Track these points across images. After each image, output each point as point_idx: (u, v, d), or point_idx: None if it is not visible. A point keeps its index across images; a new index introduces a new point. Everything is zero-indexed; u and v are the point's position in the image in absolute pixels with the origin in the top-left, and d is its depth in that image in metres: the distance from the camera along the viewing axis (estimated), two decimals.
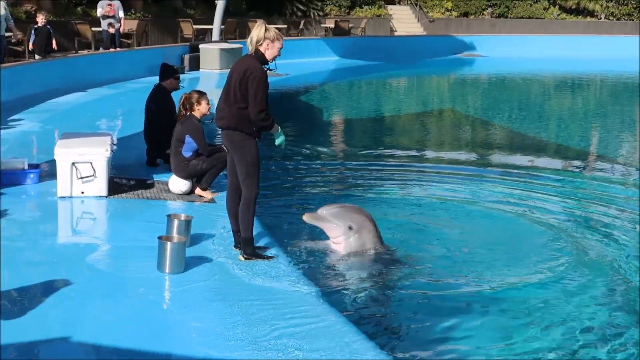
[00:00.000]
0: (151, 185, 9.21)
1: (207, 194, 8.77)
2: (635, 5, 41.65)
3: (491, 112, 20.45)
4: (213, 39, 25.49)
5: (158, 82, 10.22)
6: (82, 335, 5.15)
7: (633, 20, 41.59)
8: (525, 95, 24.80)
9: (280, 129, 6.81)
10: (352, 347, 5.12)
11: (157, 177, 9.52)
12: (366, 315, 6.11)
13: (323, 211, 7.39)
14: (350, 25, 33.99)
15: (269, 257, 6.80)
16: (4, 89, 13.77)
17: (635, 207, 9.70)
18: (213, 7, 25.81)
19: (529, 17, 40.77)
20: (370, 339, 5.35)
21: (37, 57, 19.19)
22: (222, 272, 6.44)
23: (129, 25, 24.27)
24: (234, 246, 6.97)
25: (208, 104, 8.89)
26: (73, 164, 8.46)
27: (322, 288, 6.35)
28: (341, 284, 6.73)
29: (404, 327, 6.00)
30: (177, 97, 9.27)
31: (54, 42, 19.44)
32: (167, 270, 6.29)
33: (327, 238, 7.49)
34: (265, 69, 6.58)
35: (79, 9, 25.55)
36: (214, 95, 13.83)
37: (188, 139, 8.67)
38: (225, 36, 26.28)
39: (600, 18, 41.85)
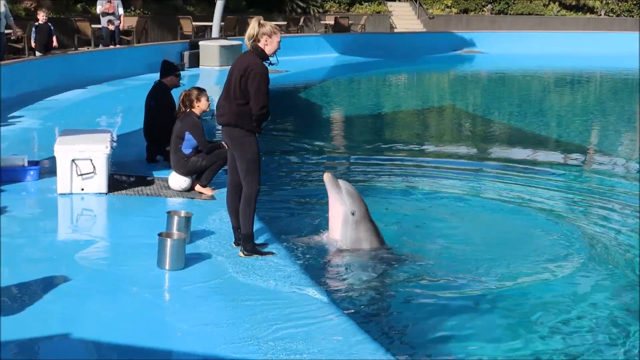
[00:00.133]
0: (151, 182, 9.21)
1: (207, 191, 8.77)
2: (635, 2, 41.65)
3: (491, 108, 20.45)
4: (213, 35, 25.48)
5: (158, 79, 10.23)
6: (82, 332, 5.15)
7: (633, 16, 41.58)
8: (525, 91, 24.79)
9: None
10: (354, 347, 5.10)
11: (157, 174, 9.52)
12: (367, 314, 6.09)
13: (342, 184, 7.42)
14: (350, 22, 33.99)
15: (268, 254, 6.80)
16: (4, 86, 13.76)
17: (636, 201, 9.70)
18: (213, 4, 25.80)
19: (529, 14, 40.76)
20: (372, 338, 5.31)
21: (37, 54, 19.17)
22: (222, 268, 6.43)
23: (129, 22, 24.26)
24: (234, 243, 6.97)
25: (208, 100, 8.90)
26: (73, 160, 8.46)
27: (322, 285, 6.36)
28: (341, 281, 6.73)
29: (405, 326, 5.99)
30: (177, 94, 9.27)
31: (54, 39, 19.42)
32: (167, 267, 6.29)
33: (326, 229, 7.51)
34: (267, 64, 6.59)
35: (78, 6, 25.54)
36: (214, 92, 13.91)
37: (188, 135, 8.67)
38: (225, 33, 26.28)
39: (600, 14, 41.84)
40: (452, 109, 20.50)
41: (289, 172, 11.24)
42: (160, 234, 6.40)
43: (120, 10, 22.33)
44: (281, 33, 6.74)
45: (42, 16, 19.17)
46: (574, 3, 41.56)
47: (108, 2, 21.86)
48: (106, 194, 8.58)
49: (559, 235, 8.28)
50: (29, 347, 4.95)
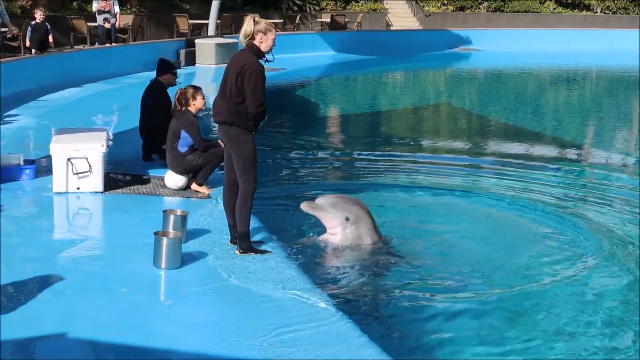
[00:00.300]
0: (147, 181, 9.19)
1: (203, 189, 8.76)
2: None
3: (487, 105, 20.45)
4: (209, 33, 25.46)
5: (154, 77, 10.21)
6: (78, 331, 5.14)
7: (629, 13, 41.63)
8: (522, 89, 24.81)
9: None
10: (355, 351, 5.07)
11: (153, 173, 9.51)
12: (368, 316, 6.01)
13: (321, 201, 7.39)
14: (346, 19, 33.97)
15: (265, 252, 6.79)
16: None
17: (635, 196, 9.71)
18: (209, 1, 25.76)
19: (525, 11, 40.78)
20: (373, 340, 5.25)
21: (33, 52, 19.13)
22: (218, 267, 6.42)
23: (125, 20, 24.24)
24: (230, 241, 6.96)
25: (203, 99, 8.88)
26: (69, 159, 8.45)
27: (318, 284, 6.32)
28: (338, 280, 6.70)
29: (406, 328, 5.92)
30: (173, 92, 9.25)
31: (50, 38, 19.37)
32: (163, 266, 6.28)
33: (324, 231, 7.49)
34: (263, 62, 6.59)
35: (74, 4, 25.49)
36: (210, 90, 13.91)
37: (183, 134, 8.66)
38: (221, 31, 26.27)
39: (596, 12, 41.87)
40: (448, 106, 20.50)
41: (286, 170, 11.23)
42: (156, 233, 6.39)
43: (116, 8, 22.29)
44: (276, 30, 6.73)
45: (39, 15, 19.12)
46: (570, 0, 41.58)
47: (104, 0, 21.82)
48: (102, 192, 8.57)
49: (558, 232, 8.27)
50: (25, 347, 4.94)
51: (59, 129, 9.71)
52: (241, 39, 6.62)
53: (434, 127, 16.89)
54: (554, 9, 41.41)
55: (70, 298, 5.69)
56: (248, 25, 6.55)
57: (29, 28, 19.05)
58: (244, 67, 6.45)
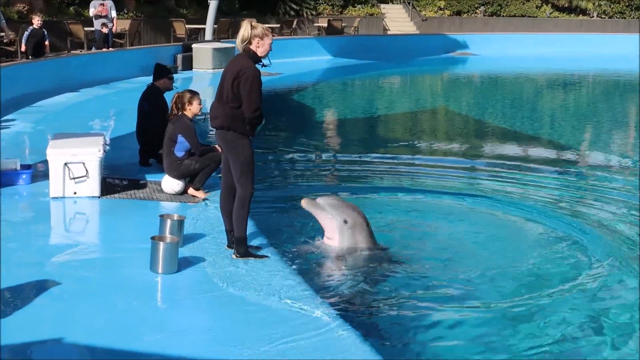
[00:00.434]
0: (144, 186, 9.19)
1: (200, 194, 8.75)
2: (627, 4, 41.75)
3: (484, 110, 20.47)
4: (206, 38, 25.46)
5: (151, 81, 10.21)
6: (74, 336, 5.13)
7: (625, 18, 41.71)
8: (518, 93, 24.84)
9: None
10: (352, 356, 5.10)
11: (149, 177, 9.50)
12: (367, 323, 6.00)
13: (321, 201, 7.40)
14: (343, 24, 33.99)
15: (262, 257, 6.79)
16: None
17: (633, 200, 9.71)
18: (206, 6, 25.77)
19: (522, 16, 40.83)
20: (371, 346, 5.21)
21: (30, 57, 19.10)
22: (215, 272, 6.41)
23: (122, 25, 24.21)
24: (227, 246, 6.96)
25: (200, 104, 8.87)
26: (65, 164, 8.44)
27: (316, 291, 6.27)
28: (336, 287, 6.68)
29: (405, 335, 5.90)
30: (170, 97, 9.25)
31: (46, 44, 19.33)
32: (159, 271, 6.27)
33: (321, 236, 7.49)
34: (260, 67, 6.59)
35: (71, 8, 25.47)
36: (207, 94, 13.89)
37: (180, 138, 8.65)
38: (218, 36, 26.26)
39: (593, 16, 41.94)
40: (445, 110, 20.52)
41: (283, 175, 11.23)
42: (153, 238, 6.38)
43: (113, 13, 22.27)
44: (273, 35, 6.74)
45: (37, 20, 19.08)
46: (566, 5, 41.64)
47: (101, 5, 21.80)
48: (99, 197, 8.56)
49: (556, 235, 8.28)
50: (21, 352, 4.93)
51: (55, 134, 9.70)
52: (238, 44, 6.63)
53: (431, 131, 16.90)
54: (551, 13, 41.47)
55: (67, 302, 5.68)
56: (245, 29, 6.56)
57: (26, 33, 19.03)
58: (240, 72, 6.46)
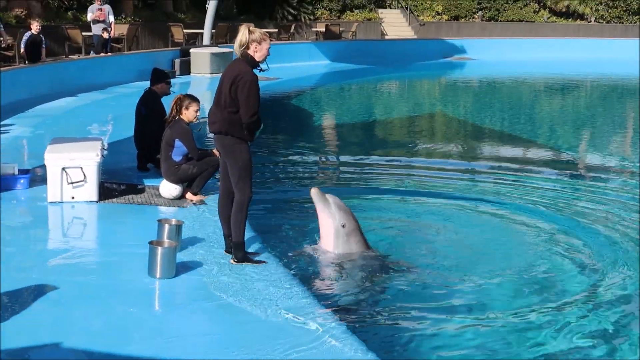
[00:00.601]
0: (142, 190, 9.19)
1: (198, 198, 8.76)
2: (624, 9, 41.85)
3: (482, 115, 20.50)
4: (204, 43, 25.49)
5: (149, 86, 10.21)
6: (73, 341, 5.12)
7: (623, 23, 41.80)
8: (516, 97, 24.87)
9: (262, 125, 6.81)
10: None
11: (147, 182, 9.50)
12: (365, 331, 5.89)
13: (330, 197, 7.41)
14: (341, 29, 34.05)
15: (260, 262, 6.79)
16: None
17: (633, 208, 9.72)
18: (204, 11, 25.82)
19: (519, 20, 40.93)
20: (367, 350, 5.20)
21: (27, 62, 19.10)
22: (213, 277, 6.41)
23: (120, 29, 24.24)
24: (225, 251, 6.96)
25: (196, 111, 8.83)
26: (63, 169, 8.44)
27: (314, 297, 6.25)
28: (332, 291, 6.68)
29: (403, 342, 5.85)
30: (167, 101, 9.25)
31: (43, 51, 19.32)
32: (157, 276, 6.27)
33: (318, 239, 7.49)
34: (258, 71, 6.60)
35: (69, 13, 25.49)
36: (205, 99, 13.90)
37: (178, 142, 8.66)
38: (216, 40, 26.29)
39: (590, 21, 42.03)
40: (443, 115, 20.54)
41: (281, 179, 11.23)
42: (151, 242, 6.38)
43: (111, 18, 22.28)
44: (271, 39, 6.74)
45: (35, 26, 19.08)
46: (564, 10, 41.73)
47: (99, 9, 21.81)
48: (97, 202, 8.56)
49: (553, 240, 8.27)
50: (19, 355, 4.92)
51: (53, 139, 9.70)
52: (236, 49, 6.64)
53: (428, 137, 16.90)
54: (548, 18, 41.56)
55: (65, 307, 5.67)
56: (243, 34, 6.57)
57: (25, 38, 19.02)
58: (238, 77, 6.47)
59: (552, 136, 17.14)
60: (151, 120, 9.86)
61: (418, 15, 39.51)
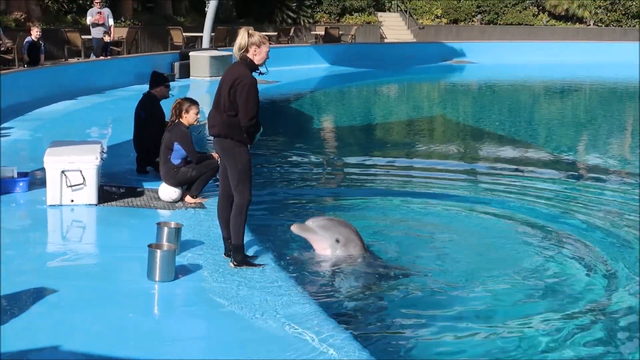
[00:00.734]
0: (141, 193, 9.19)
1: (197, 201, 8.76)
2: (623, 12, 41.88)
3: (481, 118, 20.50)
4: (203, 46, 25.50)
5: (148, 90, 10.22)
6: (72, 344, 5.12)
7: (622, 26, 41.82)
8: (515, 101, 24.88)
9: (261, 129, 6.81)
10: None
11: (147, 185, 9.50)
12: (366, 337, 5.86)
13: (311, 223, 7.41)
14: (340, 32, 34.05)
15: (259, 265, 6.79)
16: None
17: (633, 210, 9.72)
18: (203, 14, 25.84)
19: (519, 24, 40.93)
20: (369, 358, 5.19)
21: (25, 65, 19.11)
22: (212, 280, 6.41)
23: (119, 33, 24.25)
24: (225, 254, 6.96)
25: (197, 115, 8.84)
26: (63, 172, 8.44)
27: (312, 297, 6.28)
28: (331, 294, 6.67)
29: (404, 347, 5.84)
30: (166, 105, 9.25)
31: (42, 57, 19.32)
32: (157, 278, 6.27)
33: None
34: (257, 75, 6.60)
35: (68, 17, 25.52)
36: (204, 102, 13.88)
37: (176, 146, 8.66)
38: (215, 44, 26.30)
39: (589, 25, 42.04)
40: (442, 119, 20.54)
41: (281, 183, 11.23)
42: (150, 245, 6.38)
43: (111, 21, 22.30)
44: (270, 43, 6.74)
45: (35, 32, 19.07)
46: (563, 13, 41.73)
47: (98, 13, 21.82)
48: (96, 205, 8.56)
49: (557, 243, 8.26)
50: (18, 359, 4.91)
51: (52, 142, 9.70)
52: (235, 52, 6.64)
53: (427, 140, 16.89)
54: (547, 21, 41.57)
55: (64, 310, 5.67)
56: (242, 38, 6.57)
57: (25, 44, 19.01)
58: (237, 80, 6.47)
59: (552, 140, 17.13)
60: (150, 123, 9.87)
61: (417, 19, 39.53)
